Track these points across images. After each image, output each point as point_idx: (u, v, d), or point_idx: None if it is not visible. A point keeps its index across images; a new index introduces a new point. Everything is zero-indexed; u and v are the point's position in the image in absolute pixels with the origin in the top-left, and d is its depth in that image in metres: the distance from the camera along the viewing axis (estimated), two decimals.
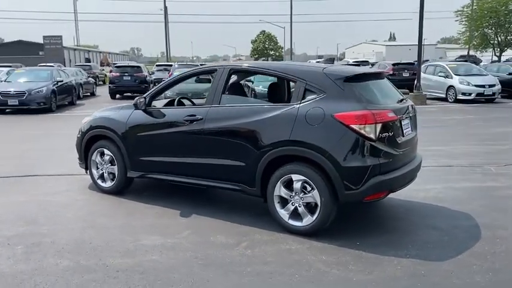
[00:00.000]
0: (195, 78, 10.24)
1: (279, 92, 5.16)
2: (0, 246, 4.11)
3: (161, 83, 5.45)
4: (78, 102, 18.47)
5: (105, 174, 5.72)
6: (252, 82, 12.29)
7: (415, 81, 17.47)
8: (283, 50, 58.23)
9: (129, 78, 20.47)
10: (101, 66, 49.05)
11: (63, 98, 16.59)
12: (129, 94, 20.59)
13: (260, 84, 12.21)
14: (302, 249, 4.05)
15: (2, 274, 3.56)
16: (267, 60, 60.27)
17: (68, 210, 5.11)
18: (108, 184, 5.70)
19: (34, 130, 11.64)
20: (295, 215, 4.35)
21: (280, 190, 4.38)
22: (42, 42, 59.58)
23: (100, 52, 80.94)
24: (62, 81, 16.27)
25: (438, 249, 4.05)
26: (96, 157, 5.76)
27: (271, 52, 78.95)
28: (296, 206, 4.33)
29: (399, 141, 4.36)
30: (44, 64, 30.71)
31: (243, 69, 4.98)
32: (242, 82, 5.57)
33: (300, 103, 4.33)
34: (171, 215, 4.94)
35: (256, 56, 78.60)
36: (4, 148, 9.01)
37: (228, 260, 3.82)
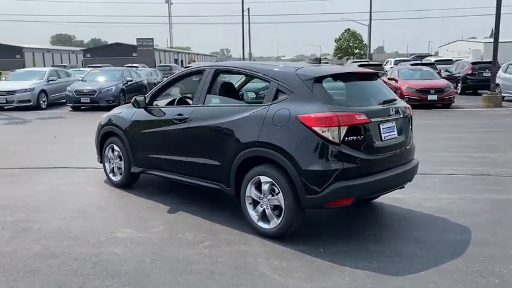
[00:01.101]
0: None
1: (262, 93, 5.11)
2: None
3: (159, 84, 5.69)
4: None
5: (115, 168, 6.08)
6: None
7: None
8: (368, 48, 56.44)
9: None
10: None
11: (133, 96, 17.71)
12: None
13: None
14: (260, 252, 3.99)
15: None
16: (350, 58, 58.77)
17: (72, 200, 5.51)
18: (117, 178, 6.05)
19: (94, 126, 12.57)
20: (264, 217, 4.30)
21: (251, 191, 4.36)
22: (135, 44, 63.83)
23: (189, 53, 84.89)
24: (131, 80, 17.39)
25: (404, 263, 3.77)
26: (108, 152, 6.15)
27: (356, 51, 76.99)
28: (264, 208, 4.28)
29: (375, 146, 4.11)
30: (130, 65, 32.90)
31: (226, 69, 5.02)
32: (231, 82, 5.54)
33: (270, 104, 4.27)
34: (160, 210, 5.12)
35: (340, 54, 77.19)
36: (56, 142, 9.88)
37: (180, 257, 3.89)
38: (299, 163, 3.93)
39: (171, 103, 5.77)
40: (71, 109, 16.35)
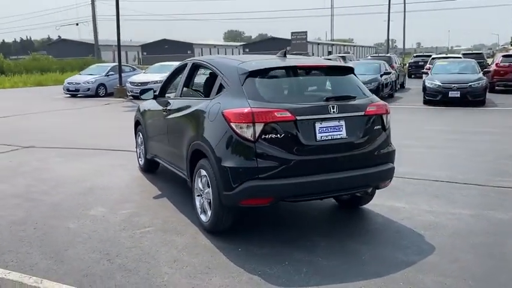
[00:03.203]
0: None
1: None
2: (15, 197, 5.50)
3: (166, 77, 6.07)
4: None
5: (141, 153, 6.69)
6: None
7: None
8: None
9: None
10: None
11: None
12: None
13: None
14: (182, 243, 4.06)
15: None
16: None
17: (94, 179, 6.25)
18: (142, 162, 6.65)
19: None
20: (204, 210, 4.34)
21: (198, 184, 4.43)
22: (290, 38, 65.62)
23: (343, 45, 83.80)
24: None
25: (305, 275, 3.44)
26: (137, 138, 6.79)
27: None
28: (203, 202, 4.32)
29: (304, 145, 3.79)
30: None
31: (198, 63, 5.08)
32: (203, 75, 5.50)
33: (214, 97, 4.27)
34: (150, 194, 5.52)
35: None
36: None
37: (110, 238, 4.19)
38: (219, 158, 3.88)
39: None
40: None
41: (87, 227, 4.48)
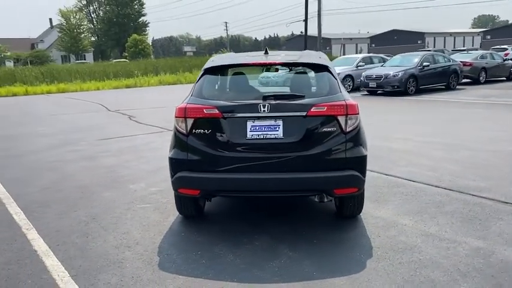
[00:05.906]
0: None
1: None
2: (106, 167, 6.93)
3: None
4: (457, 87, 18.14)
5: None
6: None
7: None
8: None
9: None
10: None
11: (430, 82, 16.96)
12: None
13: None
14: (152, 221, 4.60)
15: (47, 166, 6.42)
16: None
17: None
18: None
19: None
20: None
21: None
22: None
23: None
24: (428, 65, 16.70)
25: (194, 265, 3.55)
26: None
27: None
28: None
29: (232, 143, 3.81)
30: (498, 47, 29.58)
31: None
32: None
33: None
34: None
35: None
36: None
37: (114, 207, 5.03)
38: (169, 149, 4.25)
39: None
40: (367, 93, 17.56)
41: (113, 197, 5.44)
